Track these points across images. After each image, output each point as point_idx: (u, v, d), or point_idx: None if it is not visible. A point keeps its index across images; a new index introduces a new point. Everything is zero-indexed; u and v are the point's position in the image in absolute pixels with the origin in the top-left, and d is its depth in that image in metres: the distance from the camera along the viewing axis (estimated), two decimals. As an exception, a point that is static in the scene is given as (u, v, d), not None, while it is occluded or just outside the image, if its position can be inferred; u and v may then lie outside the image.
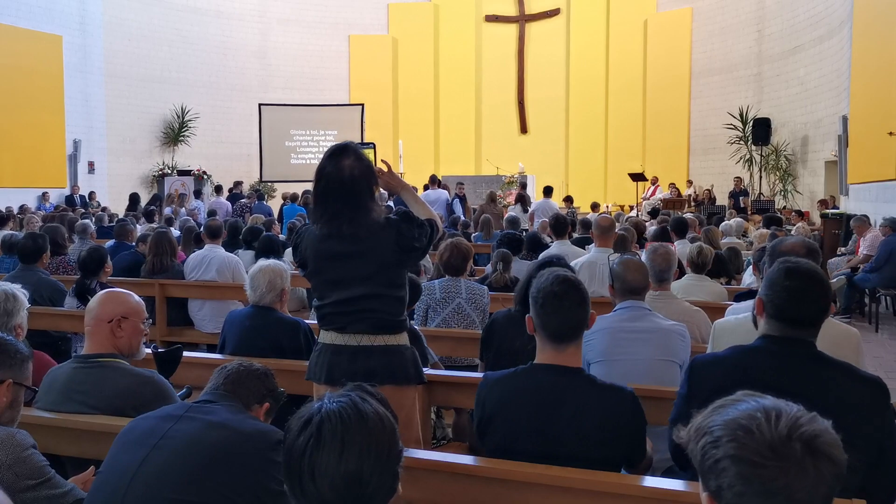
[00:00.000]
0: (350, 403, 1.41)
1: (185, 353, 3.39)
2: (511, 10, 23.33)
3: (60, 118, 18.72)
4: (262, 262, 4.01)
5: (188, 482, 1.92)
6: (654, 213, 13.55)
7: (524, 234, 7.73)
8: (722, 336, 2.89)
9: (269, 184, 21.26)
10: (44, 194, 17.97)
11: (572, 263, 4.91)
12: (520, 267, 6.06)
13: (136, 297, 2.95)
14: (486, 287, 5.08)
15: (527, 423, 2.31)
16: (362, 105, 21.99)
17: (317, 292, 2.97)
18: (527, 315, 2.41)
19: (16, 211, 14.02)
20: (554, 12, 22.98)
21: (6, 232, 8.76)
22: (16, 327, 2.96)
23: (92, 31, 19.47)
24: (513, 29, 23.35)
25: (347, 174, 2.80)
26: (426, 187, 14.77)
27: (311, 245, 2.92)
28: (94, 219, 11.55)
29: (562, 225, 7.12)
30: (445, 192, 15.02)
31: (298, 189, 16.33)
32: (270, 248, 6.57)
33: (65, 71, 18.68)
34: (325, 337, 2.91)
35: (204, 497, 1.91)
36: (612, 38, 22.20)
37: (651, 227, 8.89)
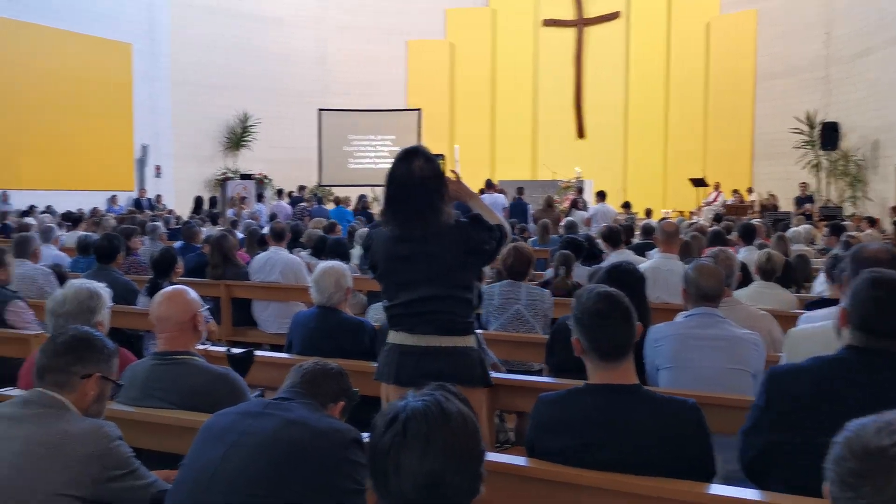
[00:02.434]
0: (434, 402, 1.43)
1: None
2: (569, 14, 23.19)
3: (129, 124, 19.34)
4: (326, 263, 4.07)
5: (266, 478, 1.97)
6: (717, 220, 13.29)
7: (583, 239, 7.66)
8: (798, 345, 2.83)
9: (328, 188, 21.56)
10: (112, 197, 18.59)
11: (635, 269, 4.85)
12: (580, 272, 6.01)
13: (194, 292, 3.04)
14: (548, 291, 5.06)
15: (582, 447, 2.24)
16: (419, 110, 22.14)
17: (386, 294, 3.00)
18: (573, 337, 2.36)
19: (88, 213, 14.50)
20: (613, 16, 22.76)
21: (80, 233, 9.07)
22: (97, 324, 3.06)
23: (160, 40, 20.07)
24: (570, 33, 23.20)
25: (418, 175, 2.83)
26: (482, 192, 14.78)
27: (381, 247, 2.96)
28: (161, 221, 11.87)
29: (615, 235, 7.01)
30: (502, 196, 15.01)
31: (353, 193, 16.52)
32: (340, 252, 6.67)
33: (134, 78, 19.29)
34: (394, 337, 2.94)
35: (281, 492, 1.95)
36: (672, 41, 21.88)
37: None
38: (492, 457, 2.46)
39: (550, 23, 23.31)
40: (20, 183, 16.63)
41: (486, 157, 22.90)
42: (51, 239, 7.83)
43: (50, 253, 7.29)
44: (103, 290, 3.20)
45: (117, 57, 18.81)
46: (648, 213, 14.82)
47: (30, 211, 14.73)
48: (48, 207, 15.34)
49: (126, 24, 19.00)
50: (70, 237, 9.42)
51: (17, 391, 2.98)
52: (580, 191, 16.43)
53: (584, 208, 14.67)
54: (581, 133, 23.26)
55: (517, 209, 14.09)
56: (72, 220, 11.81)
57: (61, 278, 5.84)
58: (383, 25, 22.95)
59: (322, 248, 7.73)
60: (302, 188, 18.76)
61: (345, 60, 22.87)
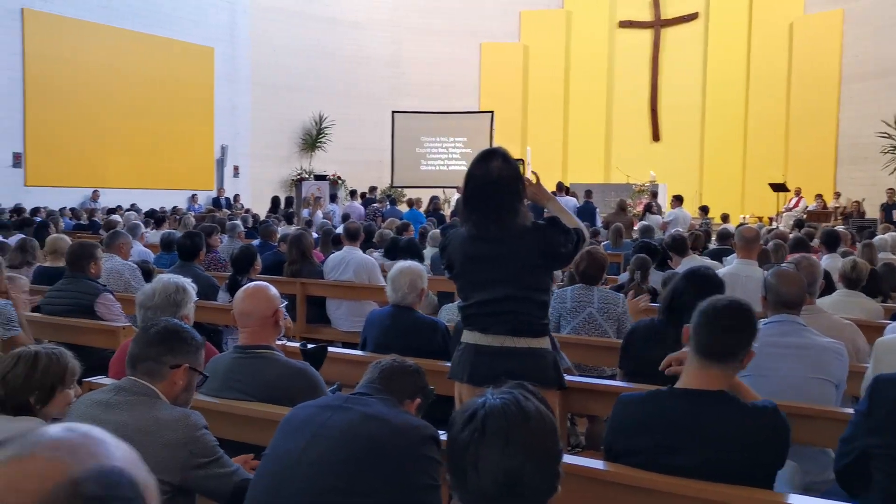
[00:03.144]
0: (513, 400, 1.44)
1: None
2: (646, 16, 22.85)
3: (210, 125, 20.00)
4: (402, 263, 4.13)
5: (344, 470, 2.02)
6: (798, 226, 12.87)
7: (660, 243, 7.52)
8: (885, 355, 2.73)
9: (400, 189, 21.78)
10: (193, 196, 19.24)
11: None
12: (655, 277, 5.92)
13: (275, 289, 3.12)
14: (621, 295, 5.01)
15: (662, 450, 2.22)
16: (492, 112, 22.15)
17: (462, 293, 3.04)
18: (685, 325, 2.35)
19: (168, 212, 15.03)
20: (692, 17, 22.31)
21: (164, 231, 9.42)
22: (184, 318, 3.18)
23: (240, 43, 20.67)
24: (647, 34, 22.85)
25: (495, 175, 2.86)
26: (553, 194, 14.64)
27: (458, 246, 2.99)
28: (239, 220, 12.22)
29: (680, 243, 6.84)
30: (573, 199, 14.88)
31: (424, 194, 16.65)
32: (413, 253, 6.74)
33: (215, 81, 19.94)
34: (469, 337, 2.97)
35: (358, 485, 2.00)
36: (753, 42, 21.30)
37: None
38: (567, 459, 2.46)
39: (626, 24, 23.01)
40: (108, 182, 17.39)
41: (557, 159, 22.76)
42: (137, 236, 8.16)
43: (136, 249, 7.59)
44: (189, 284, 3.32)
45: (200, 60, 19.49)
46: (725, 218, 14.45)
47: (116, 209, 15.37)
48: (132, 206, 15.97)
49: (209, 28, 19.65)
50: (154, 235, 9.79)
51: (107, 379, 3.12)
52: (654, 195, 16.16)
53: (659, 212, 14.41)
54: (656, 136, 22.88)
55: (586, 212, 13.96)
56: (155, 219, 12.27)
57: (147, 274, 6.08)
58: (457, 28, 23.06)
59: (394, 249, 7.83)
60: (373, 189, 19.01)
61: (418, 63, 23.09)
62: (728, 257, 7.24)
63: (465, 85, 23.40)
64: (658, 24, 22.69)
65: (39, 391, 2.43)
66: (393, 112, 22.19)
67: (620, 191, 17.62)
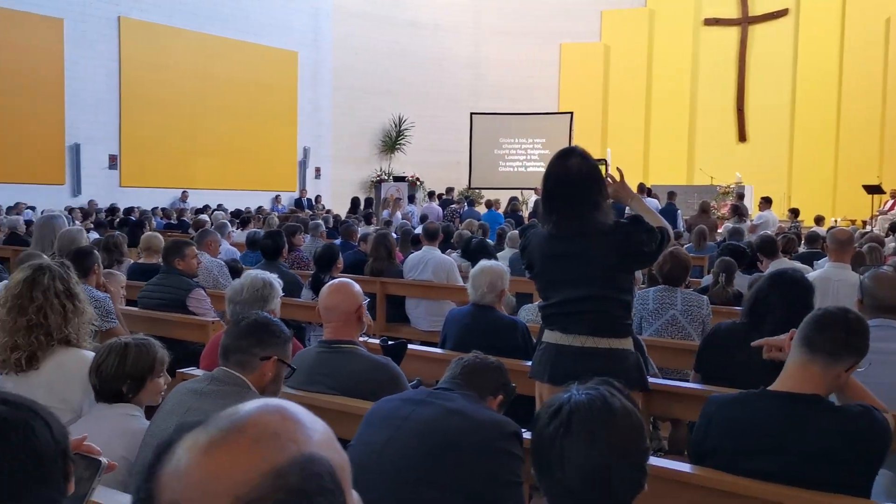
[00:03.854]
0: (599, 396, 1.44)
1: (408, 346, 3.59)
2: (733, 13, 22.22)
3: (293, 128, 20.52)
4: (484, 262, 4.14)
5: (425, 463, 2.04)
6: (894, 229, 12.28)
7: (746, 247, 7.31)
8: None
9: (478, 190, 21.81)
10: (276, 197, 19.76)
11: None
12: (741, 281, 5.76)
13: (358, 286, 3.18)
14: (705, 298, 4.89)
15: (752, 455, 2.16)
16: (571, 113, 21.93)
17: (542, 293, 3.02)
18: (791, 329, 2.29)
19: (253, 212, 15.49)
20: (781, 13, 21.57)
21: (250, 230, 9.72)
22: (270, 312, 3.28)
23: (323, 47, 21.13)
24: (734, 32, 22.22)
25: (574, 172, 2.84)
26: (634, 196, 14.43)
27: (537, 246, 2.98)
28: (322, 220, 12.48)
29: (769, 245, 6.63)
30: (655, 200, 14.59)
31: (502, 195, 16.62)
32: (485, 253, 6.75)
33: (298, 84, 20.44)
34: (549, 336, 2.95)
35: (440, 478, 2.02)
36: (847, 38, 20.42)
37: (890, 244, 8.09)
38: (652, 461, 2.42)
39: (712, 22, 22.43)
40: (196, 183, 18.04)
41: (638, 160, 22.35)
42: (224, 234, 8.44)
43: (224, 247, 7.85)
44: (276, 280, 3.43)
45: (285, 65, 20.02)
46: (819, 220, 13.90)
47: (204, 209, 15.94)
48: (219, 206, 16.53)
49: (294, 33, 20.17)
50: (240, 235, 10.11)
51: (198, 371, 3.24)
52: (740, 196, 15.67)
53: (746, 214, 13.98)
54: (742, 136, 22.21)
55: (668, 214, 13.63)
56: (241, 219, 12.66)
57: (235, 272, 6.28)
58: (537, 29, 22.96)
59: (467, 250, 7.87)
60: (450, 190, 19.08)
61: (498, 64, 23.09)
62: (819, 261, 6.98)
63: (545, 86, 23.26)
64: (745, 21, 22.04)
65: (130, 380, 2.53)
66: (472, 114, 22.24)
67: (704, 193, 17.16)
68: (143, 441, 2.39)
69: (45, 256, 3.81)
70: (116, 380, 2.50)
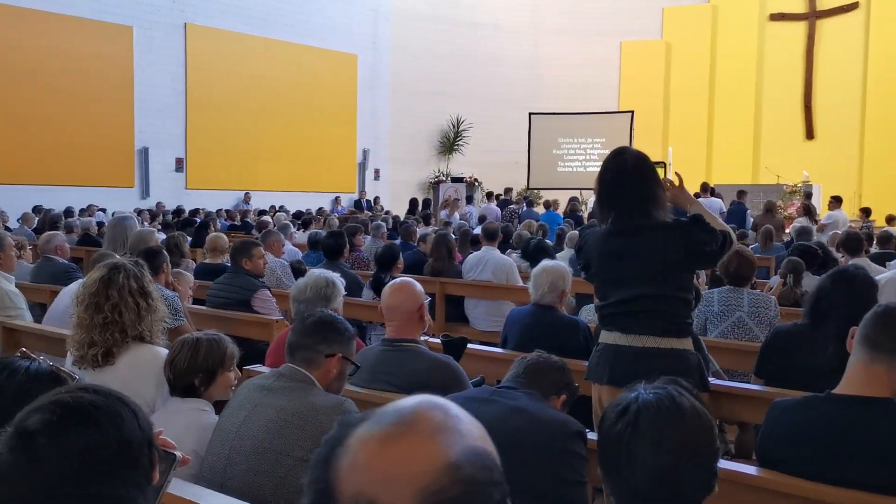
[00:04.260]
0: (668, 396, 1.42)
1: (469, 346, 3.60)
2: (800, 7, 21.60)
3: (353, 130, 20.78)
4: (546, 262, 4.13)
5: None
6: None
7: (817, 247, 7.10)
8: None
9: (536, 191, 21.70)
10: (336, 198, 20.02)
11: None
12: (810, 282, 5.60)
13: (420, 286, 3.21)
14: (774, 298, 4.77)
15: (819, 461, 2.10)
16: (631, 112, 21.64)
17: (600, 292, 2.99)
18: (851, 328, 2.22)
19: (314, 213, 15.73)
20: (851, 6, 20.87)
21: (311, 231, 9.88)
22: (333, 311, 3.33)
23: (382, 50, 21.34)
24: (801, 27, 21.60)
25: (631, 168, 2.82)
26: (696, 195, 14.17)
27: (595, 245, 2.95)
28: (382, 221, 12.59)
29: (854, 241, 6.44)
30: (719, 200, 14.29)
31: (561, 196, 16.50)
32: (543, 253, 6.72)
33: (358, 87, 20.69)
34: (607, 337, 2.91)
35: (506, 477, 2.02)
36: (922, 31, 19.66)
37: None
38: (720, 463, 2.38)
39: (778, 17, 21.86)
40: (258, 185, 18.42)
41: (701, 159, 21.93)
42: (287, 235, 8.59)
43: (286, 248, 7.99)
44: (338, 279, 3.48)
45: (345, 68, 20.29)
46: (890, 220, 13.40)
47: (267, 210, 16.25)
48: (281, 207, 16.84)
49: (353, 36, 20.42)
50: (302, 235, 10.27)
51: (264, 368, 3.32)
52: (808, 195, 15.22)
53: (815, 214, 13.57)
54: (810, 134, 21.57)
55: (736, 214, 13.36)
56: (302, 220, 12.88)
57: (298, 272, 6.39)
58: (597, 27, 22.72)
59: (526, 250, 7.84)
60: (508, 190, 19.03)
61: (557, 63, 22.95)
62: (893, 261, 6.74)
63: (604, 85, 23.02)
64: (813, 16, 21.40)
65: (203, 374, 2.62)
66: (530, 114, 22.12)
67: (770, 192, 16.72)
68: (212, 436, 2.46)
69: (117, 256, 3.94)
70: (189, 373, 2.58)
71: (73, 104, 15.42)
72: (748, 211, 13.89)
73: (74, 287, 4.61)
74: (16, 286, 5.02)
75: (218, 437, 2.40)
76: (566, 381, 2.30)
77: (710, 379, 3.22)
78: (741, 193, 14.31)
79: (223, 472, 2.30)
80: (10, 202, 13.32)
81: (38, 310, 5.60)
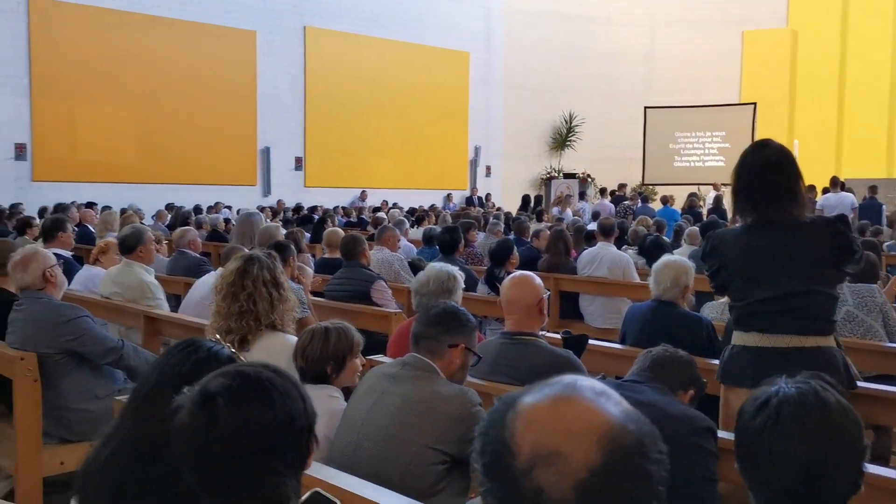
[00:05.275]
0: (811, 390, 1.37)
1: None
2: (942, -12, 20.12)
3: (465, 127, 20.93)
4: (668, 257, 4.04)
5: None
6: None
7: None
8: None
9: (651, 186, 21.17)
10: (448, 195, 20.23)
11: None
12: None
13: (539, 280, 3.20)
14: (875, 285, 4.47)
15: None
16: (754, 104, 20.75)
17: (737, 292, 2.84)
18: None
19: (427, 209, 15.95)
20: None
21: (426, 227, 10.04)
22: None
23: (494, 47, 21.38)
24: (943, 9, 20.10)
25: (774, 160, 2.71)
26: (825, 191, 13.47)
27: (732, 242, 2.83)
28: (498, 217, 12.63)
29: None
30: (850, 195, 13.51)
31: (677, 192, 16.03)
32: (661, 249, 6.57)
33: (470, 84, 20.82)
34: (745, 339, 2.77)
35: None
36: None
37: None
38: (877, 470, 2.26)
39: (917, -1, 20.42)
40: (373, 182, 18.87)
41: (830, 152, 20.76)
42: (402, 231, 8.76)
43: (402, 243, 8.15)
44: (459, 273, 3.53)
45: (457, 65, 20.46)
46: None
47: (383, 205, 16.62)
48: (394, 204, 17.17)
49: (465, 34, 20.55)
50: (416, 232, 10.45)
51: (386, 358, 3.40)
52: (950, 190, 14.17)
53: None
54: (953, 124, 20.05)
55: (869, 210, 12.60)
56: (416, 216, 13.09)
57: (414, 268, 6.50)
58: (716, 17, 21.90)
59: (642, 246, 7.68)
60: (622, 186, 18.65)
61: (672, 56, 22.28)
62: None
63: (724, 76, 22.14)
64: (957, -4, 19.87)
65: (334, 361, 2.75)
66: (645, 108, 21.60)
67: (906, 186, 15.68)
68: (341, 422, 2.55)
69: (246, 250, 4.14)
70: (322, 361, 2.70)
71: (201, 107, 16.28)
72: (883, 206, 13.07)
73: (208, 279, 4.89)
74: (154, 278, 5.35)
75: (346, 424, 2.49)
76: (694, 376, 2.25)
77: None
78: (873, 188, 13.50)
79: (352, 457, 2.38)
80: (144, 200, 14.19)
81: (173, 301, 5.94)
